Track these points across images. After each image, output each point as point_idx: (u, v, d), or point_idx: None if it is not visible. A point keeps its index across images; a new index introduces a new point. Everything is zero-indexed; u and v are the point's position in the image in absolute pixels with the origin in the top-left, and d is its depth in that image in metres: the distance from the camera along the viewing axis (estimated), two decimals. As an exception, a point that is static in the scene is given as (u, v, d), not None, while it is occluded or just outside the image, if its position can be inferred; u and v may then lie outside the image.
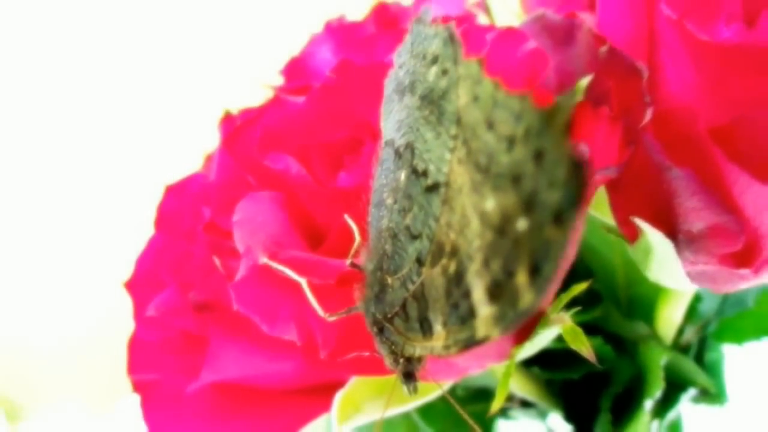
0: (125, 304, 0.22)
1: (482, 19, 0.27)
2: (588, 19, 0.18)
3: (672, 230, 0.16)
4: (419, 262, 0.13)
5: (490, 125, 0.11)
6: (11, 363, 0.41)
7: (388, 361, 0.14)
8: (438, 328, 0.12)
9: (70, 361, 0.43)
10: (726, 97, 0.15)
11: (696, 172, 0.15)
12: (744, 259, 0.16)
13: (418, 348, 0.13)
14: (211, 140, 0.24)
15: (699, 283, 0.17)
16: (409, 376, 0.14)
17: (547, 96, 0.18)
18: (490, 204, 0.11)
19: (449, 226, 0.12)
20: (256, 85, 0.27)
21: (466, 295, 0.11)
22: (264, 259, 0.16)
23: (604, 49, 0.16)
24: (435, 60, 0.13)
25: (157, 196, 0.23)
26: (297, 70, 0.26)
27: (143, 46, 0.50)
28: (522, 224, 0.10)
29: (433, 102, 0.13)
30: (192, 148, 0.27)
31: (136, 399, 0.22)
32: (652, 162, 0.15)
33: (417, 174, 0.13)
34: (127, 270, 0.23)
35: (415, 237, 0.13)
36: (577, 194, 0.09)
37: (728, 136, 0.15)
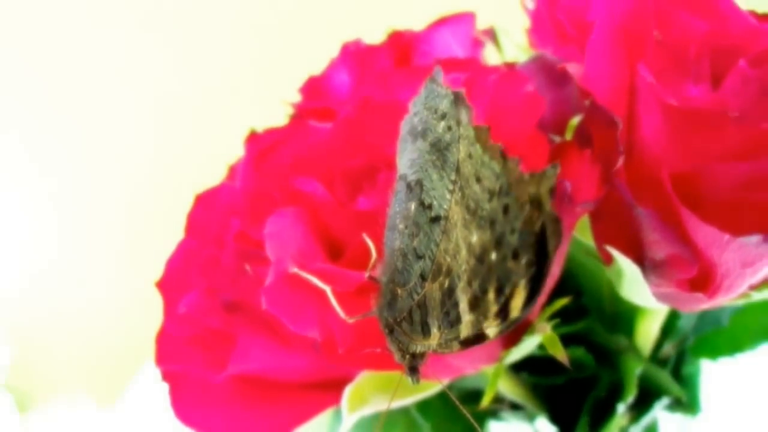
0: (133, 298, 0.27)
1: (490, 48, 0.32)
2: (575, 70, 0.22)
3: (640, 257, 0.21)
4: (422, 277, 0.18)
5: (478, 179, 0.16)
6: (22, 354, 0.46)
7: (396, 357, 0.19)
8: (434, 330, 0.17)
9: (80, 352, 0.47)
10: (687, 149, 0.20)
11: (657, 211, 0.19)
12: (699, 284, 0.21)
13: (419, 346, 0.18)
14: (232, 150, 0.29)
15: (665, 302, 0.22)
16: (413, 370, 0.18)
17: (541, 137, 0.22)
18: (474, 238, 0.16)
19: (446, 251, 0.17)
20: (275, 100, 0.31)
21: (455, 305, 0.16)
22: (293, 269, 0.20)
23: (587, 102, 0.21)
24: (444, 116, 0.18)
25: (163, 202, 0.27)
26: (315, 90, 0.30)
27: (172, 65, 0.55)
28: (493, 256, 0.15)
29: (439, 150, 0.18)
30: (214, 157, 0.32)
31: (142, 390, 0.27)
32: (622, 202, 0.20)
33: (424, 206, 0.18)
34: (133, 267, 0.27)
35: (420, 257, 0.18)
36: (540, 238, 0.15)
37: (687, 183, 0.20)
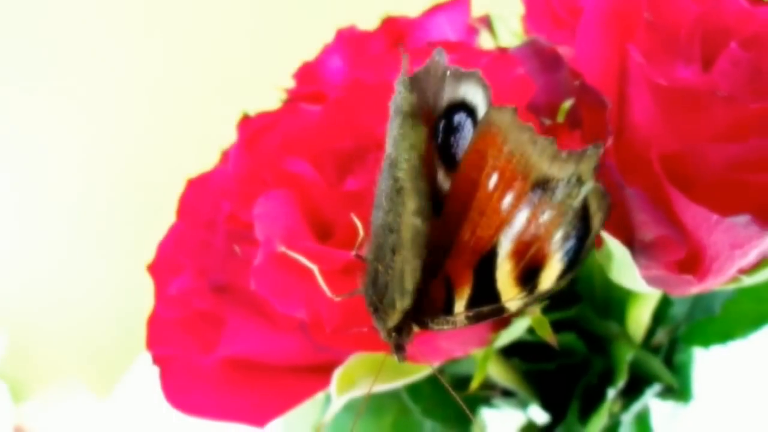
0: (128, 286, 0.26)
1: (485, 35, 0.32)
2: (566, 52, 0.22)
3: (629, 238, 0.21)
4: (393, 252, 0.17)
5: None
6: (17, 343, 0.46)
7: (382, 335, 0.18)
8: (397, 305, 0.17)
9: (76, 341, 0.47)
10: (677, 129, 0.20)
11: (646, 191, 0.19)
12: (688, 267, 0.20)
13: (389, 321, 0.17)
14: (225, 136, 0.28)
15: (654, 286, 0.22)
16: (399, 348, 0.18)
17: (532, 119, 0.22)
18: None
19: None
20: (269, 87, 0.31)
21: (401, 280, 0.16)
22: (281, 248, 0.20)
23: (577, 82, 0.20)
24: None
25: (158, 190, 0.27)
26: (309, 76, 0.30)
27: (165, 51, 0.54)
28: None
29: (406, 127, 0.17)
30: (207, 144, 0.32)
31: (138, 379, 0.26)
32: (611, 182, 0.20)
33: (395, 180, 0.17)
34: (129, 256, 0.27)
35: (391, 231, 0.17)
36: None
37: (676, 163, 0.19)
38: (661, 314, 0.28)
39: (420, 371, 0.24)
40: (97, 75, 0.54)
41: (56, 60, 0.56)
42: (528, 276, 0.15)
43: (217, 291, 0.24)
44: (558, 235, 0.14)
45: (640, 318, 0.27)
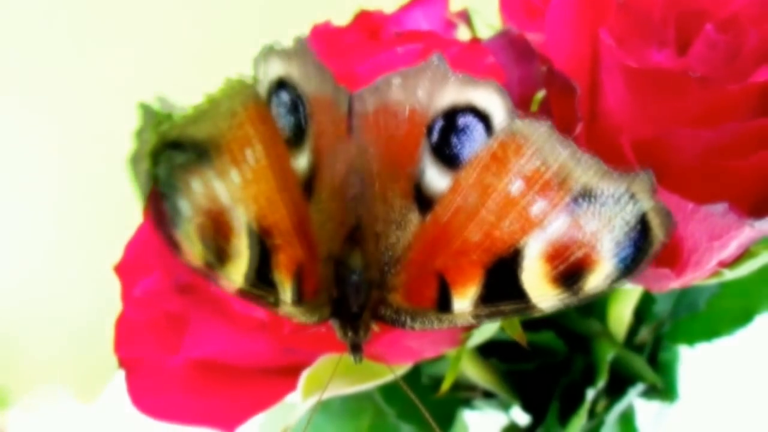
0: (112, 292, 0.25)
1: (463, 29, 0.30)
2: (536, 39, 0.21)
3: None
4: None
5: None
6: (1, 349, 0.45)
7: (339, 335, 0.17)
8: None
9: (59, 347, 0.46)
10: (649, 115, 0.18)
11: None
12: (666, 260, 0.19)
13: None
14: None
15: (632, 281, 0.21)
16: (355, 348, 0.17)
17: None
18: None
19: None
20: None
21: None
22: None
23: (543, 68, 0.19)
24: None
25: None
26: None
27: (144, 51, 0.54)
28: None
29: None
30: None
31: (123, 385, 0.25)
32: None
33: None
34: (112, 259, 0.26)
35: None
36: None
37: (649, 150, 0.18)
38: (643, 312, 0.27)
39: (391, 373, 0.23)
40: (78, 73, 0.53)
41: (35, 59, 0.55)
42: (568, 277, 0.15)
43: (181, 291, 0.23)
44: (608, 243, 0.15)
45: (621, 315, 0.26)
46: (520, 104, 0.24)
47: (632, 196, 0.14)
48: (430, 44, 0.22)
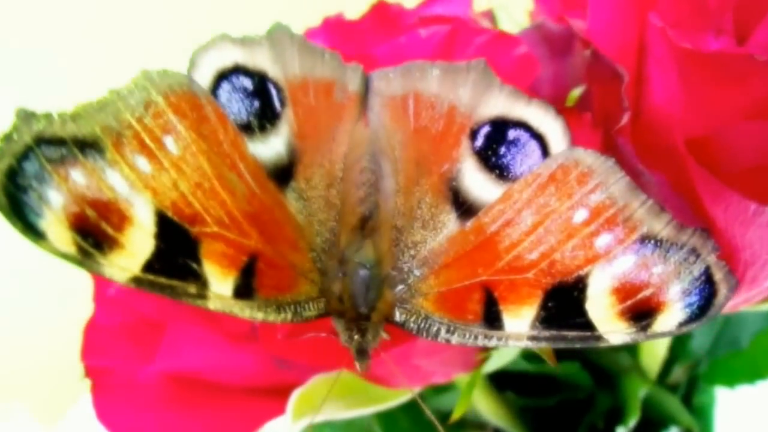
0: (78, 308, 0.24)
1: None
2: (579, 25, 0.20)
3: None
4: None
5: None
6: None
7: (343, 338, 0.16)
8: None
9: (19, 363, 0.44)
10: (705, 107, 0.17)
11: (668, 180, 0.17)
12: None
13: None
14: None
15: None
16: (362, 353, 0.16)
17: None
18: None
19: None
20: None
21: None
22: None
23: (587, 52, 0.18)
24: None
25: None
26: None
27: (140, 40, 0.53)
28: None
29: None
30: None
31: (88, 405, 0.24)
32: (627, 167, 0.17)
33: None
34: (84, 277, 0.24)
35: None
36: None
37: (702, 149, 0.17)
38: (679, 348, 0.25)
39: (393, 398, 0.21)
40: (76, 68, 0.53)
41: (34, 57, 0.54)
42: (638, 314, 0.15)
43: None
44: (675, 289, 0.15)
45: (655, 350, 0.24)
46: (553, 102, 0.23)
47: (694, 250, 0.15)
48: (456, 29, 0.21)
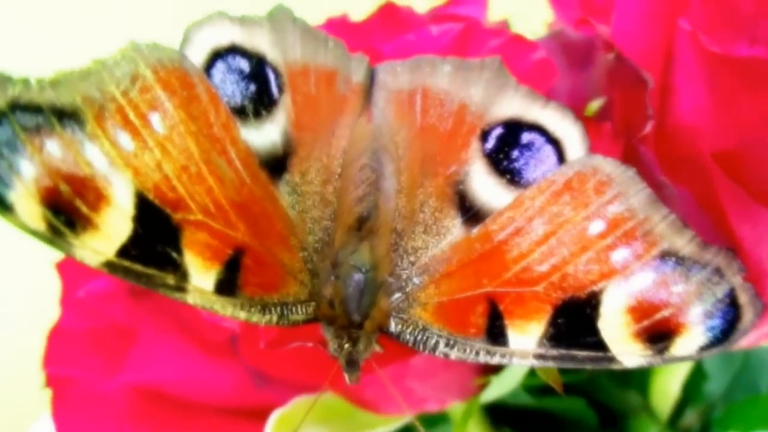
0: (39, 322, 0.22)
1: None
2: (604, 31, 0.19)
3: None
4: None
5: None
6: None
7: (332, 347, 0.15)
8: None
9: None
10: (735, 118, 0.16)
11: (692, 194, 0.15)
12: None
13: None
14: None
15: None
16: (351, 364, 0.15)
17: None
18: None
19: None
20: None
21: None
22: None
23: (611, 56, 0.17)
24: None
25: None
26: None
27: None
28: None
29: None
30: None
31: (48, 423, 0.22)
32: (649, 178, 0.16)
33: None
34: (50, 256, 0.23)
35: None
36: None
37: (730, 161, 0.16)
38: (692, 390, 0.24)
39: (381, 425, 0.20)
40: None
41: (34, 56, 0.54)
42: (656, 336, 0.14)
43: (135, 295, 0.20)
44: (696, 310, 0.14)
45: (667, 390, 0.23)
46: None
47: (718, 270, 0.14)
48: (469, 28, 0.20)
